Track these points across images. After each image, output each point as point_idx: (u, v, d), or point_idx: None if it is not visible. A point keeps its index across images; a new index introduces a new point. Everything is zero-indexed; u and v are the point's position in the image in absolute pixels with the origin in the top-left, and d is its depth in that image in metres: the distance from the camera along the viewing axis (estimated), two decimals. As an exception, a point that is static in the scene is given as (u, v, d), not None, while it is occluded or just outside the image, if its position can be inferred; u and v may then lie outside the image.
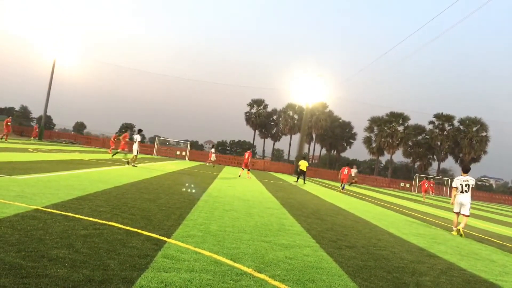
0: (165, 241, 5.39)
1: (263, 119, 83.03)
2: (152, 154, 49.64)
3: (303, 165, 28.48)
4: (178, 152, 51.64)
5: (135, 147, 20.97)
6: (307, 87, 48.68)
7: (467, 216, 11.05)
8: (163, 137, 64.33)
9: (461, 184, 11.08)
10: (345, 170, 26.87)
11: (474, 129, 66.68)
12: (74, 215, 6.27)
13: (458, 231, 10.82)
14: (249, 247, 5.79)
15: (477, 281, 5.68)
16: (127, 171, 16.52)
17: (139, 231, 5.78)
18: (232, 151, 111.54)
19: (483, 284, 5.59)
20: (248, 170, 26.14)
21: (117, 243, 4.96)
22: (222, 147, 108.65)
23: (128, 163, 21.15)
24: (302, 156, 38.54)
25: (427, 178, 38.36)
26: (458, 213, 11.20)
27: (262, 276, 4.45)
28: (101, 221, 6.06)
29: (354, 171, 36.60)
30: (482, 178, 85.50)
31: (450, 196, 50.59)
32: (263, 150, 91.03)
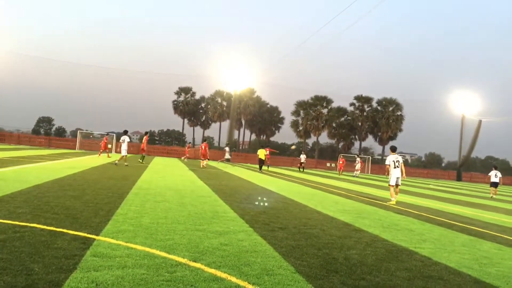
0: (94, 239, 5.16)
1: (191, 107, 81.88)
2: (74, 149, 46.96)
3: (261, 154, 30.13)
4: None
5: (124, 147, 22.32)
6: (234, 74, 48.79)
7: (399, 185, 13.64)
8: (86, 130, 61.01)
9: (393, 161, 13.42)
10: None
11: (390, 109, 71.48)
12: (-11, 219, 5.77)
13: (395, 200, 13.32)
14: (183, 237, 5.74)
15: (399, 250, 6.16)
16: (47, 168, 15.49)
17: (65, 230, 5.47)
18: (161, 141, 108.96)
19: (403, 252, 6.08)
20: (208, 159, 26.90)
21: (41, 245, 4.66)
22: (150, 137, 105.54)
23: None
24: (260, 145, 39.31)
25: (343, 156, 41.49)
26: (393, 186, 13.49)
27: (197, 265, 4.45)
28: (21, 223, 5.64)
29: (303, 156, 38.67)
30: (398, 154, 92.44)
31: (370, 172, 54.01)
32: (193, 139, 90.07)
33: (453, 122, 61.40)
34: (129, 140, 22.75)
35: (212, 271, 4.28)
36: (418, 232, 8.00)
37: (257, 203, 10.27)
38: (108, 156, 31.78)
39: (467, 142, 56.55)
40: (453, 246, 6.85)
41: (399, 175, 13.42)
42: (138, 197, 9.46)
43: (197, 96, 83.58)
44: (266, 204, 10.16)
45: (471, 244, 7.19)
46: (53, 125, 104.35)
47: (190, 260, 4.59)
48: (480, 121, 54.81)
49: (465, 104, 56.87)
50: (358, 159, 40.62)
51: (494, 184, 23.30)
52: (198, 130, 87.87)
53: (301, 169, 39.01)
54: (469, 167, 56.03)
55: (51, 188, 9.69)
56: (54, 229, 5.51)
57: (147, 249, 4.92)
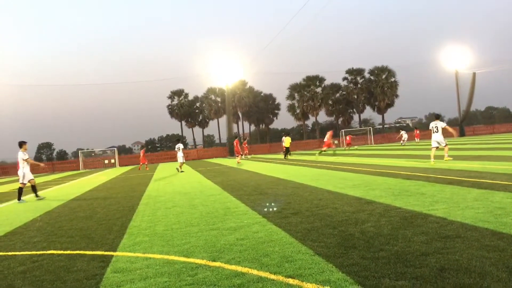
0: (112, 256, 5.20)
1: (186, 109, 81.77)
2: (78, 169, 47.07)
3: (287, 141, 30.56)
4: (106, 161, 49.49)
5: (180, 154, 22.83)
6: (223, 69, 48.64)
7: (446, 145, 15.47)
8: (87, 149, 61.12)
9: (432, 127, 15.73)
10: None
11: (383, 76, 71.16)
12: (6, 253, 5.82)
13: (443, 158, 15.47)
14: (199, 239, 5.78)
15: (413, 216, 6.19)
16: (55, 193, 15.55)
17: (82, 252, 5.52)
18: (162, 147, 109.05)
19: (418, 216, 6.10)
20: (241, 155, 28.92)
21: (60, 270, 4.70)
22: (151, 145, 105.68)
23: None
24: (286, 133, 39.02)
25: (349, 132, 41.82)
26: (435, 148, 15.41)
27: (217, 264, 4.48)
28: (38, 252, 5.69)
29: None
30: (399, 120, 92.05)
31: (373, 143, 54.06)
32: (194, 139, 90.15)
33: (448, 79, 61.20)
34: (183, 147, 23.36)
35: (233, 267, 4.31)
36: (430, 195, 8.02)
37: (266, 192, 10.30)
38: (147, 168, 31.79)
39: (465, 97, 56.36)
40: (466, 203, 6.87)
41: (438, 138, 15.39)
42: (148, 207, 9.50)
43: (191, 97, 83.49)
44: (275, 192, 10.19)
45: (484, 197, 7.21)
46: (54, 149, 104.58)
47: (209, 260, 4.62)
48: (474, 74, 54.54)
49: (457, 59, 56.52)
50: (402, 131, 45.73)
51: None
52: (197, 130, 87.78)
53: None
54: (471, 121, 55.92)
55: (62, 213, 9.74)
56: (71, 252, 5.55)
57: (166, 256, 4.96)
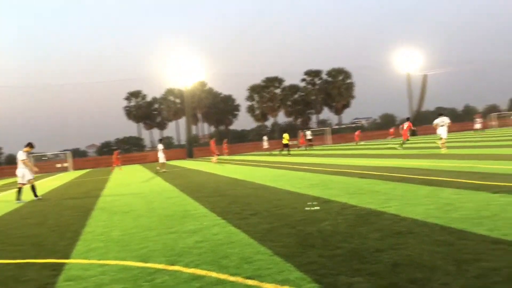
0: (64, 263, 5.00)
1: (144, 110, 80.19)
2: (29, 174, 44.88)
3: (285, 138, 32.78)
4: (58, 165, 47.55)
5: (160, 154, 23.04)
6: (182, 70, 48.06)
7: (445, 138, 18.73)
8: (40, 153, 58.39)
9: (438, 122, 18.97)
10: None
11: (340, 78, 73.03)
12: None
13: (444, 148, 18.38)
14: (157, 243, 5.67)
15: (368, 213, 6.38)
16: (3, 200, 14.76)
17: (32, 260, 5.27)
18: (119, 150, 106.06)
19: (372, 214, 6.30)
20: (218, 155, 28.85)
21: (9, 280, 4.47)
22: (107, 148, 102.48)
23: None
24: (283, 130, 40.42)
25: (302, 130, 43.02)
26: (443, 138, 18.52)
27: (176, 267, 4.42)
28: (-17, 263, 5.37)
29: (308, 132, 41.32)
30: (355, 121, 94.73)
31: (330, 143, 55.30)
32: (151, 141, 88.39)
33: (401, 80, 63.57)
34: (162, 147, 23.58)
35: (191, 270, 4.27)
36: (383, 192, 8.30)
37: (225, 194, 10.27)
38: (121, 170, 31.22)
39: (416, 97, 58.78)
40: (417, 199, 7.17)
41: (444, 131, 18.71)
42: (104, 211, 9.23)
43: (149, 98, 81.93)
44: (235, 193, 10.19)
45: (433, 194, 7.54)
46: (2, 153, 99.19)
47: (167, 264, 4.55)
48: (425, 76, 57.07)
49: (409, 61, 58.82)
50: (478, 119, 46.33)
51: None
52: (156, 131, 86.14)
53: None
54: (422, 121, 58.38)
55: (10, 220, 9.27)
56: (21, 261, 5.29)
57: (122, 262, 4.83)
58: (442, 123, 18.95)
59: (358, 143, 43.52)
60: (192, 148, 49.94)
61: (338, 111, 75.02)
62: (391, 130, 50.78)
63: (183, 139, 74.85)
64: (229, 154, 42.03)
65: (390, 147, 28.92)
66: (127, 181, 18.81)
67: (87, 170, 41.50)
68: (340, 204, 7.41)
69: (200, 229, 6.35)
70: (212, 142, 29.52)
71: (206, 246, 5.23)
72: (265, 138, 41.71)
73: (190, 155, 47.67)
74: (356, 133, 46.14)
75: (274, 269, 4.07)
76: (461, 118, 67.96)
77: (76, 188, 17.19)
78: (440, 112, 19.99)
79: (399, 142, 25.50)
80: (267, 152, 38.77)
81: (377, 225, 5.51)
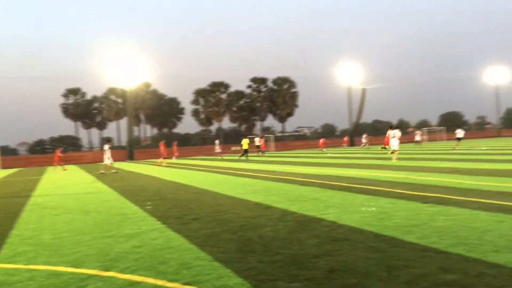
0: (-13, 269, 4.63)
1: (83, 109, 76.82)
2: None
3: (245, 143, 32.35)
4: (-16, 163, 44.00)
5: (107, 155, 22.28)
6: (126, 69, 46.55)
7: (397, 150, 20.51)
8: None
9: (390, 134, 20.66)
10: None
11: (285, 87, 74.54)
12: None
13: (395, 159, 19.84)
14: (91, 247, 5.42)
15: (307, 220, 6.52)
16: None
17: (-52, 266, 4.82)
18: (54, 149, 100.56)
19: (312, 221, 6.45)
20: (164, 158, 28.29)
21: None
22: (40, 147, 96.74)
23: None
24: (243, 135, 39.57)
25: (248, 137, 43.11)
26: (395, 150, 20.26)
27: (110, 273, 4.24)
28: None
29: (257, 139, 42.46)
30: (298, 129, 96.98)
31: (275, 150, 56.17)
32: (90, 141, 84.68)
33: (342, 92, 66.01)
34: (107, 147, 22.78)
35: (127, 276, 4.12)
36: (323, 200, 8.54)
37: (166, 198, 10.06)
38: (64, 169, 29.05)
39: (355, 110, 61.27)
40: (354, 207, 7.45)
41: (396, 143, 20.41)
42: (34, 213, 8.68)
43: (89, 96, 78.60)
44: (176, 197, 10.01)
45: (370, 203, 7.88)
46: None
47: (101, 270, 4.36)
48: (364, 89, 59.67)
49: (350, 75, 61.27)
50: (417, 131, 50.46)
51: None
52: (95, 131, 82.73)
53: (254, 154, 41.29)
54: (360, 132, 61.03)
55: None
56: None
57: (52, 267, 4.56)
58: (393, 135, 20.56)
59: (323, 150, 44.23)
60: (134, 150, 48.43)
61: (282, 119, 76.38)
62: (345, 138, 54.24)
63: (124, 141, 72.50)
64: (178, 157, 41.33)
65: (330, 156, 29.87)
66: (61, 182, 17.84)
67: (17, 169, 38.88)
68: (281, 210, 7.52)
69: (138, 233, 6.16)
70: (162, 145, 28.84)
71: (144, 251, 5.07)
72: (217, 142, 41.39)
73: (131, 157, 46.19)
74: (321, 140, 46.53)
75: (213, 275, 4.03)
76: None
77: (4, 188, 16.03)
78: (391, 125, 23.18)
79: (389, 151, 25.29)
80: (219, 157, 38.66)
81: (315, 232, 5.65)
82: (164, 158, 28.59)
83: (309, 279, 3.78)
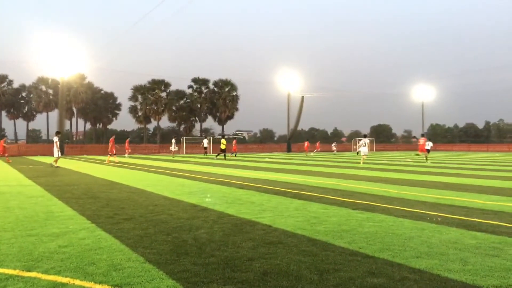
0: None
1: (9, 97, 71.48)
2: None
3: (223, 143, 32.95)
4: None
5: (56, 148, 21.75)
6: (59, 58, 43.95)
7: (366, 155, 24.72)
8: None
9: (364, 142, 24.90)
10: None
11: (226, 89, 74.54)
12: None
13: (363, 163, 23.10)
14: (12, 246, 5.06)
15: (243, 223, 6.57)
16: None
17: None
18: (5, 137, 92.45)
19: (247, 224, 6.51)
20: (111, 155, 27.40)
21: None
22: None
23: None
24: (222, 135, 38.96)
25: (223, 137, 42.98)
26: (363, 155, 24.32)
27: (33, 274, 3.99)
28: None
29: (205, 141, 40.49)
30: (237, 133, 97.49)
31: (213, 152, 56.00)
32: (15, 133, 79.01)
33: (281, 99, 67.38)
34: (56, 140, 22.26)
35: (51, 277, 3.89)
36: (259, 203, 8.66)
37: (97, 196, 9.64)
38: (9, 161, 27.10)
39: (294, 116, 62.83)
40: (288, 212, 7.63)
41: (364, 150, 24.43)
42: None
43: (16, 85, 73.39)
44: (108, 196, 9.63)
45: (303, 207, 8.11)
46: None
47: (23, 270, 4.08)
48: (302, 97, 61.37)
49: (290, 83, 62.69)
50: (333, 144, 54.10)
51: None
52: (21, 122, 77.38)
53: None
54: (297, 139, 62.69)
55: None
56: None
57: (-35, 267, 4.19)
58: (364, 144, 24.79)
59: (307, 154, 44.34)
60: (64, 144, 45.84)
61: (221, 122, 76.26)
62: (318, 143, 55.60)
63: (53, 134, 68.38)
64: (131, 154, 39.75)
65: (267, 160, 30.32)
66: (-21, 175, 16.45)
67: None
68: (217, 213, 7.51)
69: (65, 232, 5.84)
70: (111, 141, 27.50)
71: (71, 252, 4.83)
72: (173, 141, 40.37)
73: (61, 152, 43.66)
74: (306, 144, 46.72)
75: (144, 277, 3.93)
76: (331, 140, 74.82)
77: None
78: (364, 135, 27.84)
79: (423, 157, 28.83)
80: (171, 156, 37.93)
81: (251, 235, 5.71)
82: (111, 155, 27.31)
83: (243, 281, 3.82)
